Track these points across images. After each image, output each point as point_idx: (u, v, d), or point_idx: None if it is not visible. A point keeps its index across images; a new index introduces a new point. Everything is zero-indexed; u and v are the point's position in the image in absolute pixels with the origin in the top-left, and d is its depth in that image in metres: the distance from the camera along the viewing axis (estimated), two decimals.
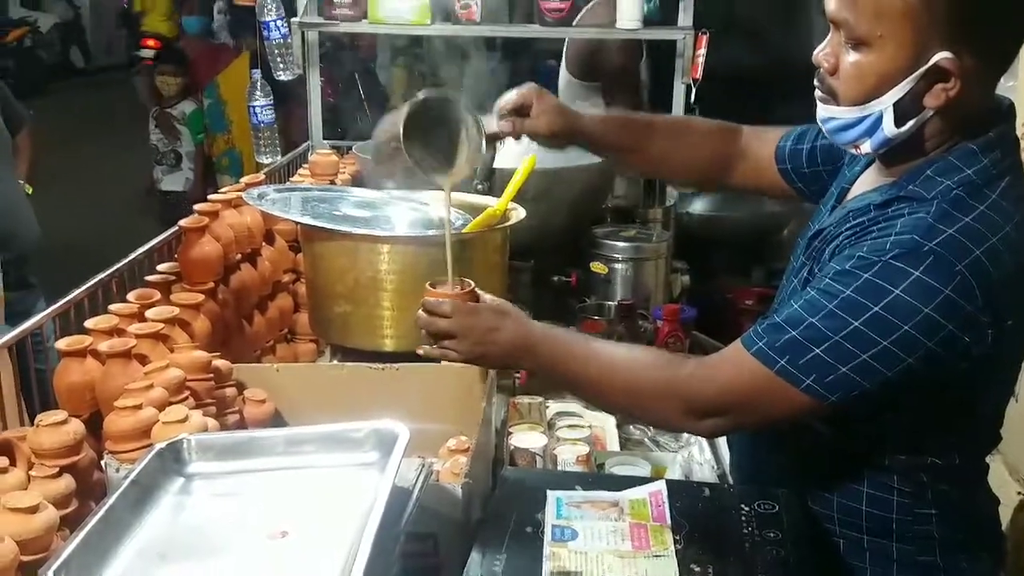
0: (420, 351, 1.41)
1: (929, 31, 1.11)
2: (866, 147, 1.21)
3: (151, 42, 5.44)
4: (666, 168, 1.69)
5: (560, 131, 1.52)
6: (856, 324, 1.11)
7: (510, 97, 1.52)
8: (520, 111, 1.51)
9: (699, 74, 2.71)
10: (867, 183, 1.30)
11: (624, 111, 1.80)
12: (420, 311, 1.37)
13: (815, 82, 1.23)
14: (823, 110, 1.23)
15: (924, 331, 1.10)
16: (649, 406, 1.28)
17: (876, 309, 1.10)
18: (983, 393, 1.26)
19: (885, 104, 1.16)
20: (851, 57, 1.16)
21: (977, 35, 1.11)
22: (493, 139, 1.51)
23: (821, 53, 1.20)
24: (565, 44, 3.34)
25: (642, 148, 1.60)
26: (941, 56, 1.11)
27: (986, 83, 1.18)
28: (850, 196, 1.32)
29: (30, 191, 3.26)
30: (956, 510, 1.29)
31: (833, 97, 1.20)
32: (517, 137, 1.54)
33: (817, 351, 1.13)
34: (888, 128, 1.17)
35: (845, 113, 1.20)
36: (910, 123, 1.17)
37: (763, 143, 1.57)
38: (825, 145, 1.46)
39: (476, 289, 1.39)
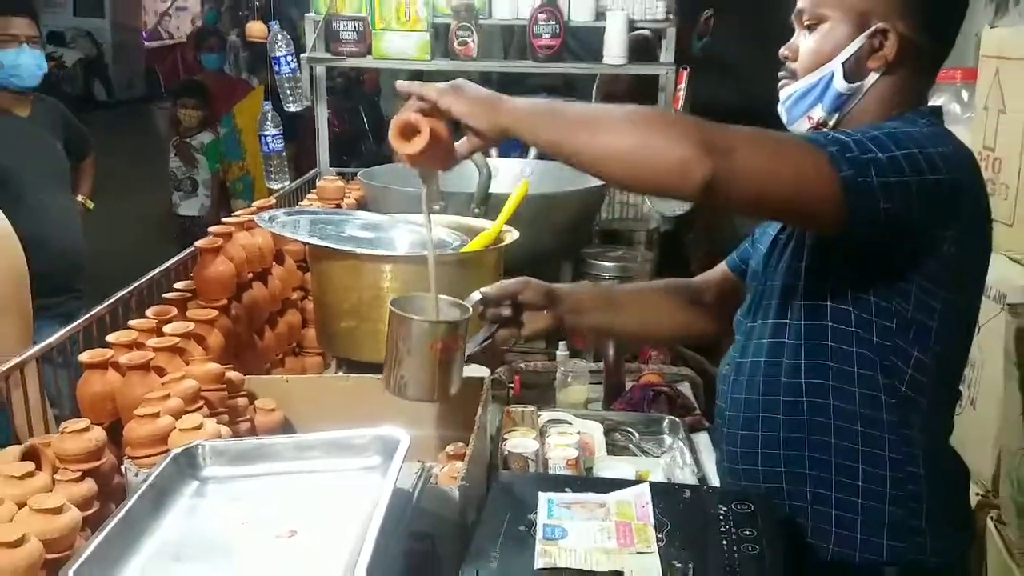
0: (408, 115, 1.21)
1: (870, 6, 1.26)
2: (819, 112, 1.30)
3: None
4: (645, 336, 1.83)
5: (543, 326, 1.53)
6: (876, 133, 1.18)
7: (491, 289, 1.51)
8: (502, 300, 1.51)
9: (680, 106, 2.74)
10: None
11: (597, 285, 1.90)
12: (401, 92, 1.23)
13: (779, 74, 1.34)
14: (784, 91, 1.33)
15: (928, 164, 1.16)
16: (652, 135, 1.08)
17: (903, 136, 1.17)
18: (944, 330, 1.25)
19: (835, 65, 1.28)
20: (808, 40, 1.31)
21: (908, 7, 1.25)
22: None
23: (785, 49, 1.34)
24: (595, 85, 3.32)
25: (616, 322, 1.62)
26: (879, 25, 1.26)
27: (919, 56, 1.28)
28: None
29: (90, 207, 3.42)
30: (939, 468, 1.29)
31: (793, 76, 1.32)
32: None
33: (842, 136, 1.17)
34: (839, 83, 1.28)
35: (802, 83, 1.30)
36: (856, 83, 1.28)
37: (716, 277, 1.61)
38: (754, 237, 1.51)
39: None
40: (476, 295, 1.47)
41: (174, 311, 1.68)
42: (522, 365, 2.07)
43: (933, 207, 1.17)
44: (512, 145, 2.76)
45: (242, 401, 1.53)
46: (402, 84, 1.23)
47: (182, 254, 1.97)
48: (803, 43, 1.32)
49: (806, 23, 1.31)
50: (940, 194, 1.17)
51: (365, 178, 2.49)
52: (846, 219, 1.13)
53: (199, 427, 1.31)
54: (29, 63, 2.90)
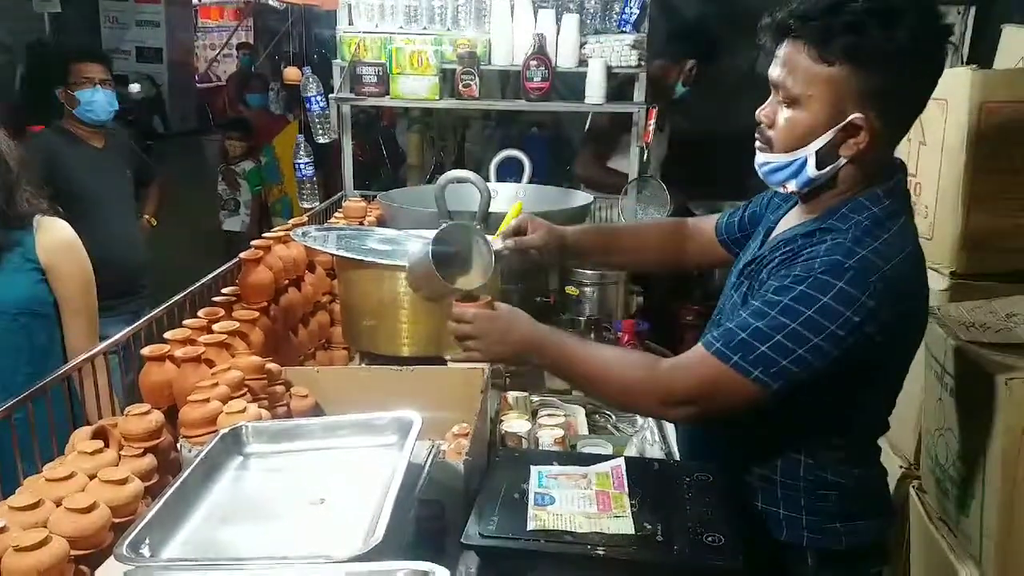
0: (449, 356, 1.46)
1: (847, 96, 1.15)
2: (792, 186, 1.24)
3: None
4: (634, 262, 1.82)
5: (551, 246, 1.55)
6: (793, 325, 1.12)
7: (512, 224, 1.56)
8: (518, 232, 1.55)
9: (650, 138, 2.74)
10: (791, 220, 1.31)
11: (597, 225, 1.92)
12: (450, 321, 1.36)
13: (756, 134, 1.26)
14: (760, 157, 1.26)
15: (846, 330, 1.12)
16: (633, 397, 1.25)
17: (809, 313, 1.12)
18: (882, 385, 1.27)
19: (809, 151, 1.19)
20: (786, 114, 1.19)
21: (885, 102, 1.15)
22: (500, 256, 1.52)
23: (762, 111, 1.24)
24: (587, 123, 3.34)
25: (612, 251, 1.66)
26: (855, 116, 1.15)
27: (888, 142, 1.22)
28: (776, 231, 1.33)
29: (154, 223, 3.46)
30: (853, 488, 1.29)
31: (769, 145, 1.23)
32: (518, 253, 1.55)
33: (763, 348, 1.13)
34: (811, 170, 1.20)
35: (778, 158, 1.22)
36: (828, 168, 1.19)
37: (704, 226, 1.60)
38: (753, 213, 1.49)
39: (492, 300, 1.38)
40: (498, 243, 1.52)
41: (222, 312, 1.69)
42: None
43: (854, 347, 1.13)
44: (509, 171, 2.78)
45: (279, 388, 1.53)
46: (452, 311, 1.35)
47: (228, 264, 1.97)
48: (781, 115, 1.21)
49: (783, 100, 1.20)
50: (862, 333, 1.12)
51: (384, 199, 2.49)
52: (773, 395, 1.16)
53: (243, 411, 1.31)
54: (102, 101, 2.96)
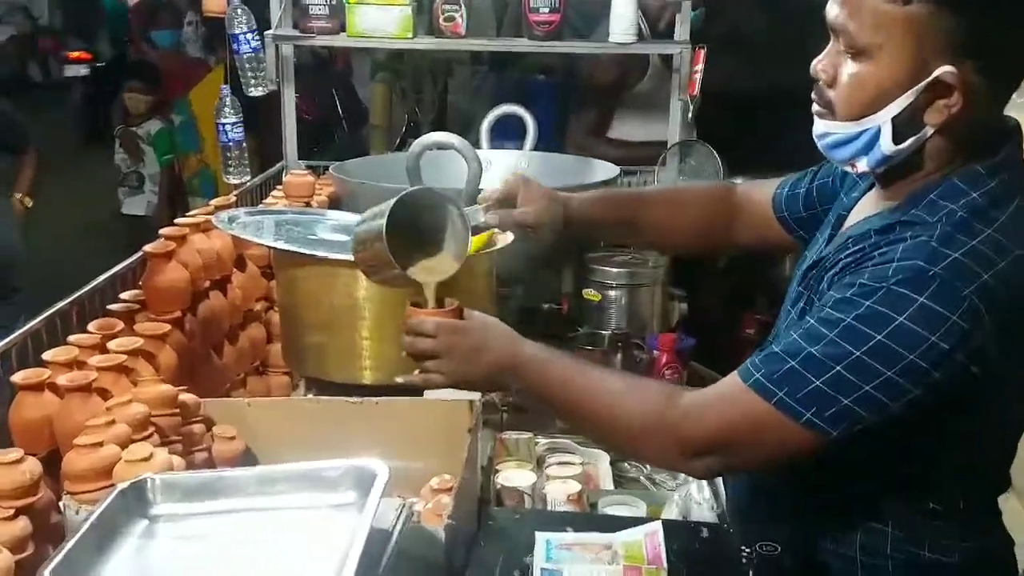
0: (400, 379, 1.40)
1: (932, 43, 1.12)
2: (862, 165, 1.22)
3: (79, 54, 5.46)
4: (664, 239, 1.75)
5: (550, 219, 1.54)
6: (858, 353, 1.11)
7: (495, 189, 1.55)
8: (506, 202, 1.54)
9: (696, 90, 2.74)
10: (866, 208, 1.31)
11: (612, 189, 1.81)
12: (404, 333, 1.37)
13: (812, 95, 1.24)
14: (819, 124, 1.24)
15: (931, 360, 1.10)
16: (640, 442, 1.27)
17: (879, 337, 1.10)
18: (991, 430, 1.26)
19: (883, 119, 1.17)
20: (850, 68, 1.18)
21: (984, 50, 1.12)
22: (478, 231, 1.52)
23: (819, 64, 1.21)
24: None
25: (636, 223, 1.65)
26: (944, 70, 1.12)
27: (992, 101, 1.19)
28: (848, 223, 1.33)
29: (28, 204, 3.45)
30: (963, 567, 1.27)
31: (830, 110, 1.22)
32: (504, 229, 1.56)
33: (817, 382, 1.12)
34: (886, 145, 1.18)
35: (841, 127, 1.21)
36: (909, 141, 1.18)
37: (758, 196, 1.60)
38: (823, 185, 1.49)
39: (461, 307, 1.38)
40: (479, 216, 1.53)
41: (120, 325, 1.68)
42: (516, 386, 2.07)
43: (944, 383, 1.12)
44: (506, 134, 2.78)
45: (198, 428, 1.52)
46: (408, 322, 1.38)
47: (129, 260, 1.97)
48: (843, 70, 1.18)
49: (845, 49, 1.18)
50: (954, 364, 1.11)
51: (338, 172, 2.49)
52: (830, 444, 1.16)
53: (148, 458, 1.30)
54: None
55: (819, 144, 1.26)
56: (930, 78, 1.13)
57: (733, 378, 1.20)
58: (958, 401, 1.15)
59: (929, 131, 1.17)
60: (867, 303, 1.12)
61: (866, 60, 1.16)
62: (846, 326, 1.13)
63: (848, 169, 1.26)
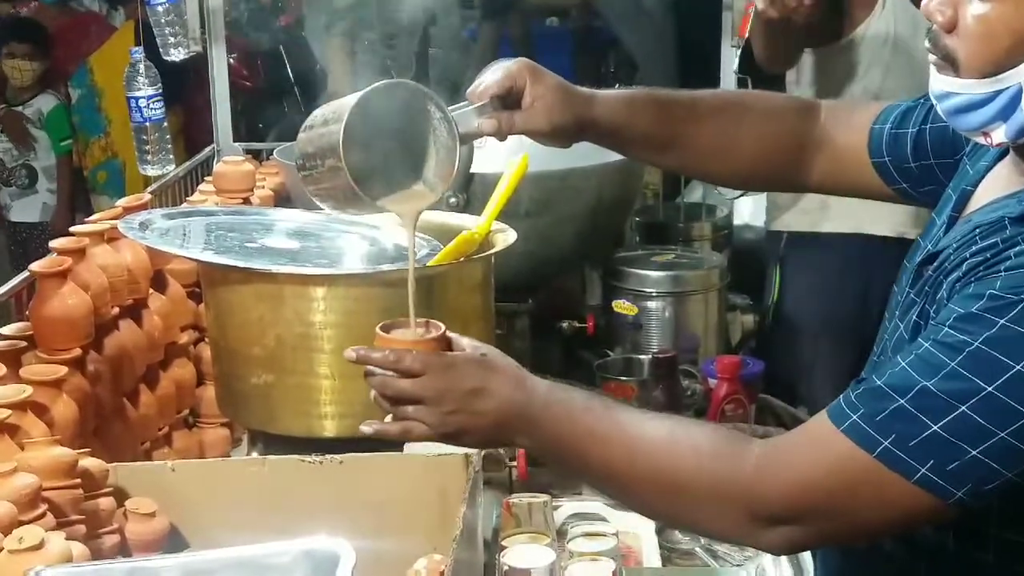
0: (367, 429, 1.35)
1: None
2: (1000, 135, 1.20)
3: None
4: (719, 164, 1.68)
5: (566, 123, 1.51)
6: (990, 389, 1.08)
7: (492, 79, 1.50)
8: (508, 99, 1.50)
9: (747, 31, 2.75)
10: (999, 186, 1.28)
11: (652, 87, 1.70)
12: (369, 367, 1.32)
13: (926, 43, 1.23)
14: (938, 81, 1.23)
15: None
16: (696, 510, 1.24)
17: (1018, 367, 1.09)
18: None
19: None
20: (976, 7, 1.16)
21: None
22: (469, 140, 1.50)
23: (933, 4, 1.20)
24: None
25: (683, 138, 1.60)
26: None
27: None
28: (975, 204, 1.31)
29: None
30: None
31: (950, 63, 1.20)
32: (504, 136, 1.52)
33: (935, 428, 1.10)
34: None
35: (969, 87, 1.19)
36: None
37: (851, 125, 1.58)
38: (940, 131, 1.46)
39: (448, 334, 1.36)
40: (472, 120, 1.47)
41: (2, 369, 1.68)
42: None
43: None
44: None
45: (106, 503, 1.52)
46: (352, 354, 1.35)
47: (12, 282, 1.97)
48: (967, 11, 1.17)
49: None
50: None
51: (285, 157, 2.49)
52: (953, 509, 1.13)
53: (39, 546, 1.29)
54: None
55: (939, 107, 1.25)
56: None
57: (821, 421, 1.17)
58: None
59: None
60: (1001, 321, 1.10)
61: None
62: (972, 352, 1.10)
63: (980, 140, 1.25)
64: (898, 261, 1.51)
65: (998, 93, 1.17)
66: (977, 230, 1.22)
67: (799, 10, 2.41)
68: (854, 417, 1.14)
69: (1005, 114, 1.18)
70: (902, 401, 1.12)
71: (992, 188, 1.29)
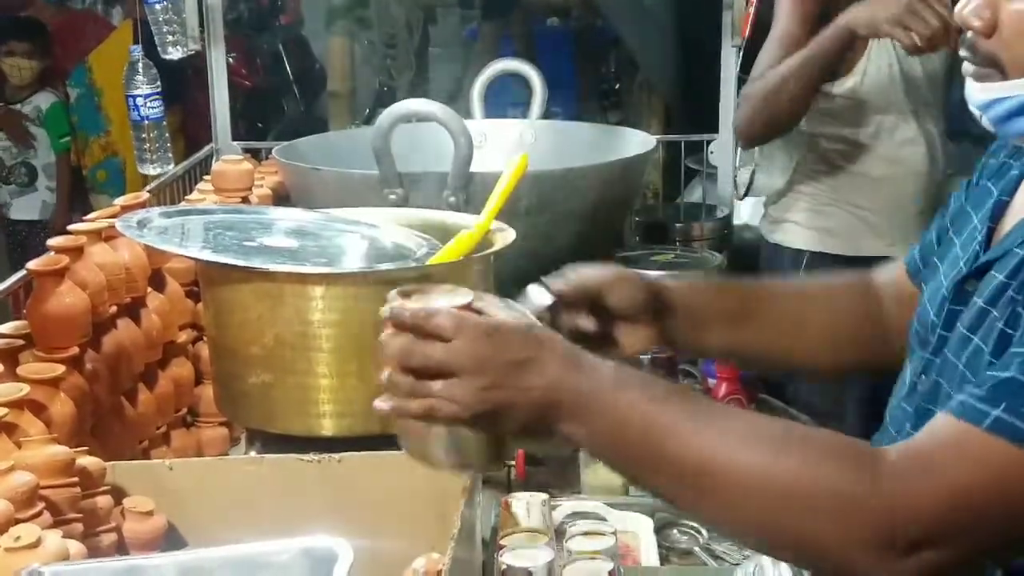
0: (382, 404, 1.17)
1: None
2: None
3: None
4: (794, 342, 1.56)
5: (638, 308, 1.41)
6: None
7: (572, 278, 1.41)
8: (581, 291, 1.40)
9: (748, 28, 2.75)
10: None
11: (719, 281, 1.70)
12: (386, 333, 1.16)
13: (962, 52, 1.20)
14: (981, 90, 1.19)
15: None
16: (809, 529, 1.06)
17: None
18: None
19: None
20: (1018, 3, 1.14)
21: None
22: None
23: (969, 7, 1.17)
24: None
25: (756, 318, 1.51)
26: None
27: None
28: (1015, 214, 1.25)
29: None
30: None
31: (996, 67, 1.16)
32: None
33: None
34: None
35: (1020, 87, 1.15)
36: None
37: (893, 273, 1.53)
38: (955, 211, 1.42)
39: (479, 303, 1.20)
40: (544, 296, 1.35)
41: None
42: None
43: None
44: (506, 96, 2.79)
45: (103, 501, 1.52)
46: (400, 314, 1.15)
47: (9, 281, 1.97)
48: (1008, 7, 1.14)
49: None
50: None
51: (284, 156, 2.50)
52: None
53: (36, 544, 1.29)
54: None
55: (985, 117, 1.20)
56: None
57: (951, 423, 1.05)
58: None
59: None
60: None
61: None
62: None
63: None
64: None
65: None
66: None
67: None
68: (996, 412, 1.02)
69: None
70: None
71: None
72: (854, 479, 1.04)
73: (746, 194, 2.92)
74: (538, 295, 1.34)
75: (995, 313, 1.16)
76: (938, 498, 1.03)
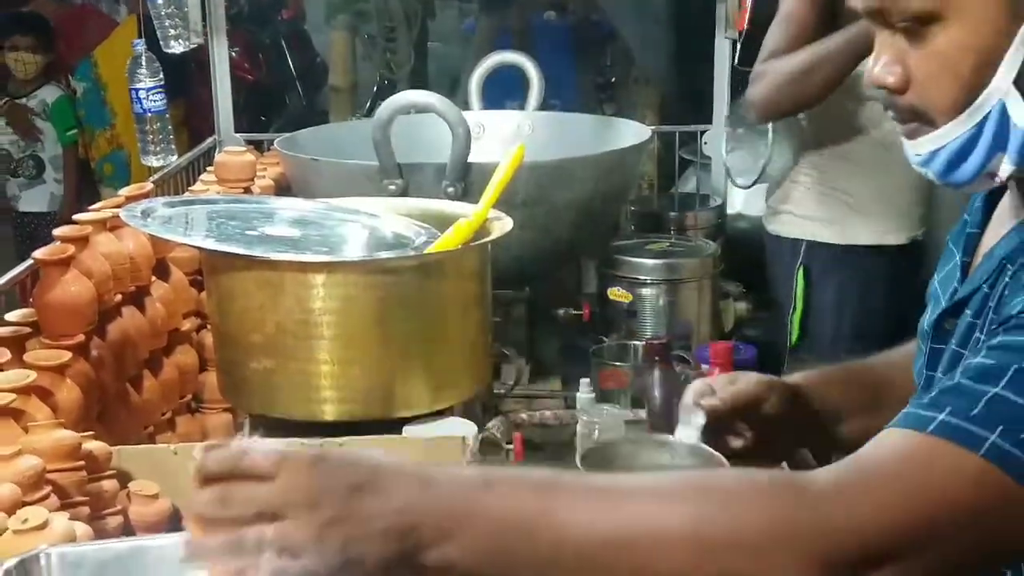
0: None
1: None
2: (1006, 167, 1.11)
3: None
4: None
5: (770, 397, 1.39)
6: None
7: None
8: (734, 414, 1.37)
9: (745, 25, 2.74)
10: (1007, 216, 1.21)
11: (841, 365, 1.52)
12: (202, 483, 0.96)
13: (889, 114, 1.17)
14: (914, 147, 1.15)
15: None
16: (746, 568, 0.95)
17: None
18: None
19: (1001, 87, 1.08)
20: (922, 50, 1.10)
21: None
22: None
23: (877, 69, 1.14)
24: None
25: (887, 409, 1.33)
26: None
27: None
28: (988, 242, 1.23)
29: None
30: None
31: (922, 119, 1.13)
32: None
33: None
34: (1018, 115, 1.08)
35: (952, 131, 1.11)
36: None
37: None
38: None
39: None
40: (700, 417, 1.33)
41: (6, 355, 1.68)
42: (525, 416, 2.07)
43: None
44: (504, 89, 2.78)
45: (109, 485, 1.52)
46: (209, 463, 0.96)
47: (16, 270, 1.98)
48: (915, 58, 1.11)
49: (901, 26, 1.10)
50: None
51: (286, 147, 2.49)
52: None
53: (43, 526, 1.30)
54: None
55: (932, 174, 1.15)
56: None
57: (891, 436, 1.01)
58: None
59: None
60: None
61: (940, 25, 1.08)
62: None
63: (987, 184, 1.17)
64: (909, 268, 1.45)
65: (984, 121, 1.10)
66: (1004, 260, 1.14)
67: None
68: (941, 416, 0.98)
69: (1000, 141, 1.10)
70: (996, 390, 0.98)
71: (1001, 221, 1.22)
72: (790, 508, 0.96)
73: (756, 181, 2.90)
74: (695, 416, 1.32)
75: (967, 355, 1.12)
76: (885, 510, 0.95)
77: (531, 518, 0.95)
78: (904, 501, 0.95)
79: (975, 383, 0.99)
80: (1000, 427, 0.96)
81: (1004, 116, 1.09)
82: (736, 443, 1.37)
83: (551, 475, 1.01)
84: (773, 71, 2.53)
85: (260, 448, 0.95)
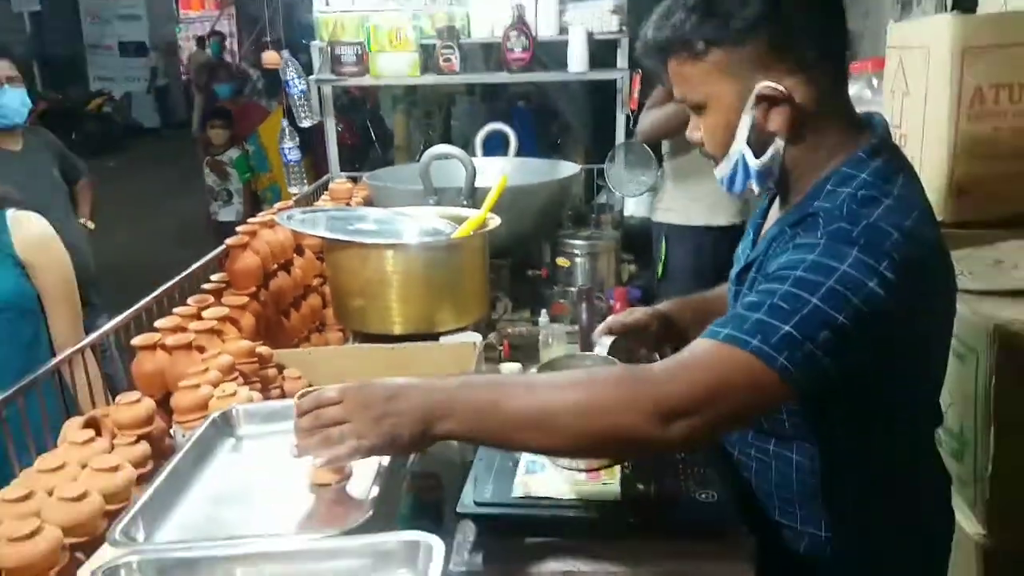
0: (320, 461, 0.98)
1: (740, 72, 1.03)
2: (754, 187, 1.11)
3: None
4: None
5: (653, 322, 1.37)
6: (814, 301, 0.94)
7: (609, 324, 1.34)
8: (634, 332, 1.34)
9: (636, 106, 2.72)
10: (776, 214, 1.18)
11: (686, 298, 1.45)
12: (297, 416, 0.99)
13: (701, 152, 1.16)
14: (715, 173, 1.14)
15: (871, 304, 0.94)
16: (609, 420, 0.93)
17: (829, 283, 0.94)
18: (922, 376, 1.12)
19: (739, 145, 1.08)
20: (703, 123, 1.11)
21: (778, 56, 1.02)
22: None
23: (688, 130, 1.14)
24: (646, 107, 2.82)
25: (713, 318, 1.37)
26: (761, 85, 1.03)
27: (824, 93, 1.05)
28: (766, 228, 1.20)
29: (91, 227, 3.21)
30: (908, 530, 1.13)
31: (714, 159, 1.13)
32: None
33: (787, 328, 0.93)
34: (752, 163, 1.08)
35: (724, 167, 1.11)
36: (769, 152, 1.07)
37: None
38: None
39: None
40: (606, 339, 1.30)
41: (211, 299, 1.68)
42: (510, 330, 2.07)
43: (885, 329, 0.95)
44: (496, 145, 2.76)
45: (272, 372, 1.53)
46: (301, 403, 0.99)
47: (216, 251, 1.97)
48: (703, 128, 1.11)
49: (694, 111, 1.10)
50: (888, 313, 0.94)
51: (370, 179, 2.48)
52: (797, 393, 0.96)
53: (234, 394, 1.31)
54: (12, 102, 2.70)
55: (724, 188, 1.14)
56: (752, 96, 1.04)
57: (701, 342, 0.97)
58: (892, 349, 1.00)
59: (780, 139, 1.06)
60: (811, 257, 0.97)
61: (707, 111, 1.09)
62: (797, 278, 0.96)
63: (751, 193, 1.14)
64: (732, 241, 1.42)
65: (737, 163, 1.09)
66: (773, 240, 1.10)
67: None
68: (726, 331, 0.96)
69: (746, 173, 1.10)
70: (758, 315, 0.95)
71: (774, 214, 1.21)
72: (629, 386, 0.94)
73: (642, 193, 2.89)
74: (604, 339, 1.32)
75: (749, 294, 1.06)
76: (688, 385, 0.93)
77: (489, 402, 0.95)
78: (702, 378, 0.93)
79: (747, 311, 0.96)
80: (759, 336, 0.93)
81: (743, 160, 1.09)
82: (634, 355, 1.34)
83: (500, 378, 1.04)
84: (649, 117, 2.56)
85: (328, 388, 0.98)
